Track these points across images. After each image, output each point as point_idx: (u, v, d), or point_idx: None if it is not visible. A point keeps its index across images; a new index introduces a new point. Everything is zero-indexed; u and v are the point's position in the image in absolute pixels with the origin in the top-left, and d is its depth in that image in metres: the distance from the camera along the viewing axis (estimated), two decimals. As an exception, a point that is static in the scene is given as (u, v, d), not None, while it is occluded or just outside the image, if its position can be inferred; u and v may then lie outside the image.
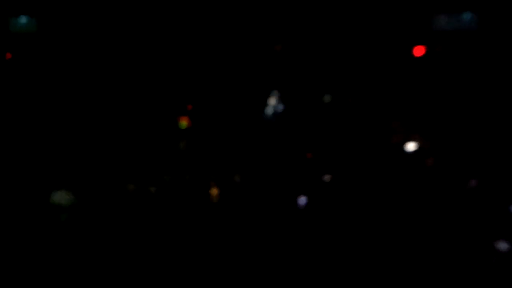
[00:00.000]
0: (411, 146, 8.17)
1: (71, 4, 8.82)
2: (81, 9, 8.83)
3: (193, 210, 7.78)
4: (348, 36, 8.62)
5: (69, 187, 7.80)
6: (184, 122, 8.69)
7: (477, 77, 8.26)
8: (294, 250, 7.14)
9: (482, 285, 6.19)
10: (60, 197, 7.65)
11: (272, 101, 8.64)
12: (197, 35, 8.87)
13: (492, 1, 8.20)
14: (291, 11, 8.72)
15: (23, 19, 8.84)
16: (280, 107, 8.67)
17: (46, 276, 6.73)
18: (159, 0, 8.80)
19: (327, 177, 7.91)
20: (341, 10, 8.60)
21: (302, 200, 7.87)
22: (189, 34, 8.86)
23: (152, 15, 8.84)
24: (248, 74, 8.83)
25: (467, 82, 8.28)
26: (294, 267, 6.88)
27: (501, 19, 8.22)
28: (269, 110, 8.65)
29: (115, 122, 8.67)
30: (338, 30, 8.63)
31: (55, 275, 6.74)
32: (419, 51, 8.31)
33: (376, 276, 6.58)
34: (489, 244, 6.46)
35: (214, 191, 7.96)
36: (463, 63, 8.31)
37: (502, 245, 6.19)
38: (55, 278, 6.72)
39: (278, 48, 8.85)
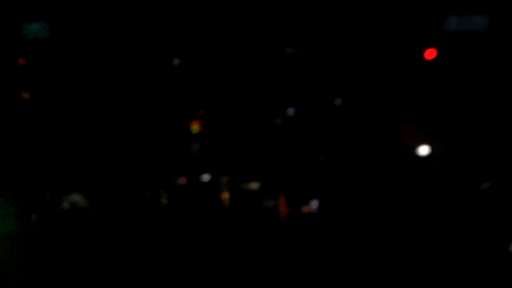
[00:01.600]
0: (424, 149, 8.14)
1: (84, 9, 8.86)
2: (93, 14, 8.86)
3: (204, 214, 7.80)
4: (359, 39, 8.59)
5: (81, 190, 7.85)
6: (195, 127, 8.70)
7: (489, 79, 8.21)
8: (305, 254, 7.15)
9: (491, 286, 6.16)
10: (73, 200, 7.71)
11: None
12: (207, 39, 8.88)
13: (504, 2, 8.14)
14: (301, 14, 8.70)
15: (35, 25, 8.89)
16: (291, 111, 8.67)
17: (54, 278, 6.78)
18: (172, 5, 8.81)
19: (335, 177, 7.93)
20: (351, 12, 8.57)
21: (314, 203, 7.88)
22: (200, 39, 8.87)
23: (165, 21, 8.86)
24: (259, 78, 8.83)
25: (480, 85, 8.23)
26: (304, 270, 6.88)
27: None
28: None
29: (127, 126, 8.71)
30: (349, 32, 8.60)
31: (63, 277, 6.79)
32: (430, 54, 8.26)
33: (385, 277, 6.57)
34: (502, 247, 6.42)
35: (226, 195, 7.97)
36: (475, 65, 8.26)
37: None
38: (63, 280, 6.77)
39: (290, 51, 8.83)
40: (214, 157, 8.54)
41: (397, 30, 8.46)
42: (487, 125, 8.05)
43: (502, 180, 7.51)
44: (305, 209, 7.89)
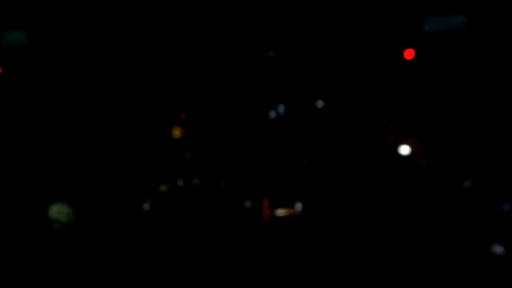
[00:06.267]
0: (405, 149, 8.17)
1: (63, 17, 8.80)
2: (73, 22, 8.81)
3: (189, 219, 7.79)
4: (338, 40, 8.61)
5: (66, 200, 7.78)
6: (177, 132, 8.68)
7: (469, 78, 8.26)
8: (291, 256, 7.16)
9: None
10: (58, 211, 7.62)
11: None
12: (188, 42, 8.86)
13: (482, 2, 8.20)
14: (281, 17, 8.71)
15: (14, 33, 8.82)
16: (273, 113, 8.68)
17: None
18: (148, 12, 8.79)
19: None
20: (330, 13, 8.59)
21: (298, 206, 7.89)
22: (180, 41, 8.86)
23: (144, 26, 8.84)
24: (241, 81, 8.83)
25: (460, 84, 8.28)
26: (292, 273, 6.89)
27: (492, 20, 8.21)
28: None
29: (108, 133, 8.67)
30: (328, 34, 8.62)
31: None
32: (409, 54, 8.29)
33: (374, 278, 6.59)
34: (485, 247, 6.46)
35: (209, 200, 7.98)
36: (455, 65, 8.31)
37: (498, 248, 6.18)
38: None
39: (270, 54, 8.83)
40: (197, 162, 8.53)
41: (378, 31, 8.49)
42: (469, 123, 8.11)
43: (485, 178, 7.57)
44: (289, 211, 7.90)
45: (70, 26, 8.80)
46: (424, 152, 8.17)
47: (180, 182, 8.26)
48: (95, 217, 7.72)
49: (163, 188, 8.22)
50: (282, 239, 7.53)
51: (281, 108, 8.66)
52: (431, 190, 7.67)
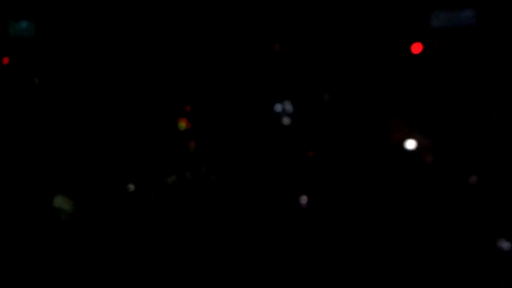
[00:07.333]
0: (411, 144, 8.17)
1: (71, 8, 8.81)
2: (81, 14, 8.82)
3: (194, 212, 7.81)
4: (346, 34, 8.61)
5: (69, 191, 7.81)
6: (183, 124, 8.68)
7: (477, 73, 8.26)
8: (297, 250, 7.17)
9: (483, 285, 6.19)
10: (61, 202, 7.65)
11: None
12: (194, 35, 8.87)
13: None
14: (288, 11, 8.72)
15: (21, 24, 8.83)
16: (279, 107, 8.68)
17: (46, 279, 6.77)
18: (157, 3, 8.79)
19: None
20: (338, 8, 8.59)
21: (304, 199, 7.91)
22: (186, 34, 8.87)
23: (150, 17, 8.84)
24: (247, 74, 8.83)
25: (467, 79, 8.28)
26: (296, 267, 6.90)
27: (500, 15, 8.21)
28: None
29: (113, 125, 8.68)
30: (336, 28, 8.62)
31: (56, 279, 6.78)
32: (417, 48, 8.30)
33: (377, 276, 6.61)
34: (491, 243, 6.46)
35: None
36: (462, 60, 8.30)
37: (505, 244, 6.19)
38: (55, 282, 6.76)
39: (277, 47, 8.83)
40: (203, 154, 8.54)
41: (385, 25, 8.49)
42: (476, 119, 8.11)
43: (491, 175, 7.57)
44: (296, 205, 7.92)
45: (77, 17, 8.81)
46: (430, 147, 8.17)
47: (186, 175, 8.26)
48: (99, 208, 7.75)
49: (168, 180, 8.24)
50: (287, 232, 7.55)
51: (287, 102, 8.66)
52: (437, 186, 7.68)
